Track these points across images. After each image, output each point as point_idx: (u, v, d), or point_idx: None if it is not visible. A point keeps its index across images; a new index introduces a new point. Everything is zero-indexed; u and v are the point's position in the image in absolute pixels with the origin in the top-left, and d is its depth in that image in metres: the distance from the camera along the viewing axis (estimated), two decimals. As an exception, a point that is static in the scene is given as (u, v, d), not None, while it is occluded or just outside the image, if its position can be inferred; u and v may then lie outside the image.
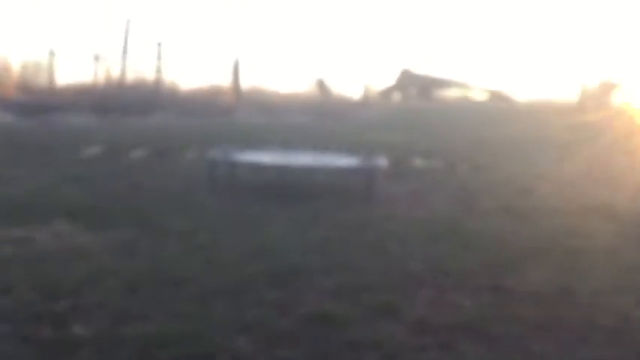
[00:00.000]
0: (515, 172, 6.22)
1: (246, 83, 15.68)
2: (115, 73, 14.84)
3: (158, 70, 14.69)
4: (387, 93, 17.01)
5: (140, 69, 14.90)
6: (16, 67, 17.36)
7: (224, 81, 16.04)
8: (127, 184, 4.93)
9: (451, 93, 18.77)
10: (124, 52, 14.38)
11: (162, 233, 3.51)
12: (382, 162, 4.87)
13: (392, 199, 4.66)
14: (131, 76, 14.54)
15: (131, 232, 3.51)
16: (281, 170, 4.64)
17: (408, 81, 17.05)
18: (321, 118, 11.82)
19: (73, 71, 16.90)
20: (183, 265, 2.97)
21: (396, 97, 17.22)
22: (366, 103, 15.22)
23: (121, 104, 11.83)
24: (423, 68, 18.26)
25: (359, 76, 15.64)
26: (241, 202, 4.36)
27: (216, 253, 3.18)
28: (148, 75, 14.97)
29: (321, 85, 15.91)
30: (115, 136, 7.90)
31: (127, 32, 14.32)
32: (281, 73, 16.67)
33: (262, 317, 2.41)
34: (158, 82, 14.67)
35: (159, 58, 14.66)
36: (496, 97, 17.95)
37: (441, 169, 6.30)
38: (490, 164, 6.66)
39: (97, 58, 15.75)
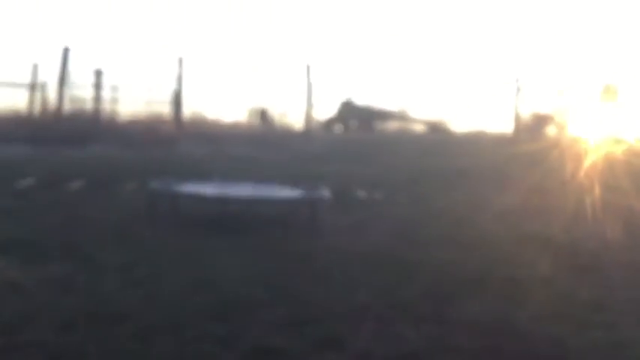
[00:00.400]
0: (454, 202, 6.34)
1: (187, 112, 15.53)
2: (52, 102, 14.50)
3: (97, 99, 14.41)
4: (328, 124, 17.13)
5: (78, 97, 14.56)
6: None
7: (165, 110, 15.87)
8: (63, 216, 4.78)
9: (391, 124, 19.07)
10: (62, 80, 14.05)
11: (99, 267, 3.41)
12: (325, 193, 4.89)
13: (335, 231, 4.67)
14: (69, 105, 14.18)
15: (68, 266, 3.40)
16: (223, 202, 4.59)
17: (349, 112, 17.20)
18: (263, 149, 11.81)
19: (7, 100, 16.33)
20: (121, 301, 2.89)
21: (338, 128, 17.34)
22: (308, 134, 15.29)
23: (57, 134, 11.53)
24: (364, 99, 18.44)
25: (300, 106, 15.67)
26: (182, 234, 4.29)
27: (156, 287, 3.11)
28: (87, 104, 14.67)
29: (263, 115, 15.92)
30: (51, 168, 7.68)
31: (64, 60, 14.00)
32: (222, 101, 16.51)
33: (204, 353, 2.36)
34: (97, 112, 14.38)
35: (98, 86, 14.40)
36: (434, 128, 18.34)
37: (383, 200, 6.37)
38: (430, 195, 6.77)
39: (32, 86, 15.37)
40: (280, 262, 3.70)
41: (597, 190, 6.60)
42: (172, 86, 15.32)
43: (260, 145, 12.53)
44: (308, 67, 15.38)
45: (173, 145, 11.88)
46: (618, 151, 11.29)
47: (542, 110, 20.73)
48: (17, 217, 4.68)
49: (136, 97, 15.54)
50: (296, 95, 15.60)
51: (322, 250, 4.04)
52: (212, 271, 3.44)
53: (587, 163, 8.73)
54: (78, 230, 4.34)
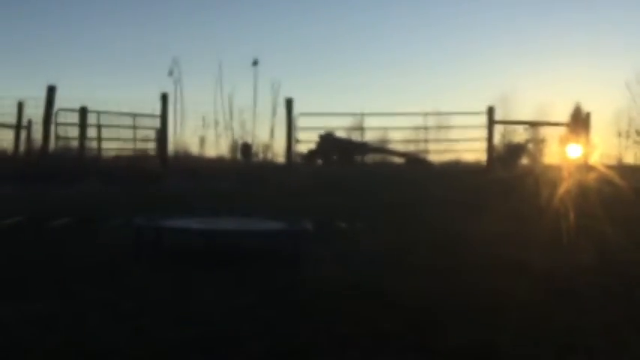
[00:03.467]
0: (433, 231, 6.34)
1: (170, 148, 15.48)
2: (37, 141, 14.37)
3: (82, 137, 14.32)
4: (309, 157, 17.12)
5: (63, 135, 14.45)
6: None
7: (149, 146, 15.82)
8: (47, 253, 4.70)
9: (370, 156, 19.12)
10: (47, 118, 13.95)
11: (84, 303, 3.33)
12: (307, 226, 4.86)
13: (318, 262, 4.63)
14: (53, 143, 14.05)
15: (51, 303, 3.32)
16: (208, 235, 4.53)
17: (329, 145, 17.20)
18: (246, 183, 11.78)
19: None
20: (106, 337, 2.82)
21: (318, 161, 17.32)
22: (289, 167, 15.30)
23: (42, 173, 11.41)
24: (344, 132, 18.50)
25: (282, 139, 15.70)
26: (168, 269, 4.22)
27: (141, 321, 3.04)
28: (72, 142, 14.57)
29: (244, 148, 15.89)
30: (35, 206, 7.58)
31: (49, 98, 13.93)
32: (205, 136, 16.45)
33: (190, 387, 2.30)
34: (82, 149, 14.28)
35: (83, 124, 14.34)
36: (412, 160, 18.42)
37: (364, 231, 6.34)
38: (409, 225, 6.77)
39: (17, 126, 15.26)
40: (265, 294, 3.65)
41: (571, 216, 6.65)
42: (157, 123, 15.32)
43: (243, 179, 12.51)
44: (289, 101, 15.46)
45: (158, 180, 11.81)
46: (590, 177, 11.40)
47: (515, 140, 21.04)
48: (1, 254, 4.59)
49: (120, 134, 15.50)
50: (278, 128, 15.63)
51: (305, 282, 4.00)
52: (197, 304, 3.38)
53: (561, 190, 8.80)
54: (62, 267, 4.26)
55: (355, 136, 18.79)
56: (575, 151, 17.59)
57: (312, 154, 17.24)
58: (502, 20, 39.77)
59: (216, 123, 15.42)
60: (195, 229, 4.63)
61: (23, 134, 15.59)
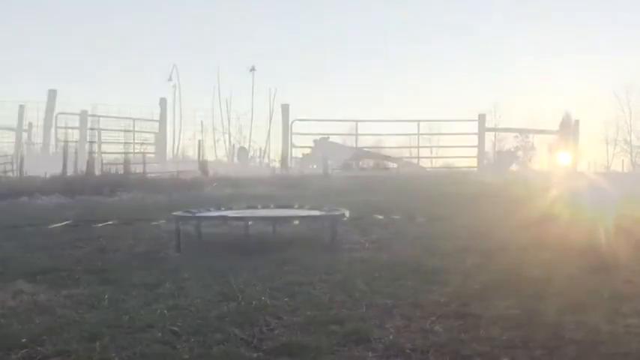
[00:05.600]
0: (469, 220, 6.15)
1: (169, 151, 15.56)
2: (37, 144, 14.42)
3: (126, 150, 14.49)
4: (305, 162, 16.84)
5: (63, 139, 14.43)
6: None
7: (148, 150, 15.76)
8: (92, 248, 4.69)
9: (366, 162, 18.76)
10: (48, 123, 13.98)
11: (125, 287, 3.29)
12: (345, 212, 4.74)
13: (355, 247, 4.52)
14: (53, 146, 14.00)
15: (94, 288, 3.28)
16: (245, 221, 4.41)
17: (323, 150, 16.84)
18: (285, 188, 11.72)
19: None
20: (146, 313, 2.76)
21: (313, 166, 16.97)
22: (325, 174, 15.21)
23: (89, 187, 11.55)
24: (338, 138, 18.25)
25: (278, 144, 15.62)
26: (207, 256, 4.16)
27: (181, 300, 2.98)
28: (117, 158, 14.74)
29: (241, 152, 15.84)
30: (83, 211, 7.64)
31: (50, 101, 14.02)
32: (203, 141, 16.35)
33: (229, 352, 2.22)
34: (127, 163, 14.43)
35: (83, 128, 14.34)
36: (405, 165, 18.08)
37: (401, 220, 6.20)
38: (445, 216, 6.59)
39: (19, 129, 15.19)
40: (303, 275, 3.55)
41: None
42: (155, 127, 15.30)
43: (282, 185, 12.44)
44: (284, 107, 15.34)
45: (199, 188, 11.83)
46: (581, 184, 10.92)
47: (508, 145, 20.86)
48: (47, 251, 4.58)
49: (119, 137, 15.43)
50: (274, 134, 15.51)
51: (344, 263, 3.89)
52: (236, 284, 3.30)
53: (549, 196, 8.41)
54: (105, 259, 4.24)
55: (350, 142, 18.60)
56: (564, 159, 17.36)
57: (306, 158, 16.90)
58: (493, 29, 39.07)
59: (214, 128, 15.41)
60: (234, 216, 4.55)
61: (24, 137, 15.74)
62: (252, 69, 15.54)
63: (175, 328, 2.50)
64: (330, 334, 2.42)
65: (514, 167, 19.09)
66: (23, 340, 2.38)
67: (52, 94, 14.11)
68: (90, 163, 14.11)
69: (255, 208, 5.28)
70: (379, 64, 39.77)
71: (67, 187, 11.56)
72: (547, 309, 2.76)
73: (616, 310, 2.77)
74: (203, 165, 13.42)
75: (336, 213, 4.60)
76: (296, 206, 5.28)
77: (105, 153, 15.20)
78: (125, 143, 15.39)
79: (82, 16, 36.45)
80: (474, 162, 16.76)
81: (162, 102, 15.23)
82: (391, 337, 2.40)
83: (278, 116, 15.27)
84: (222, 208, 5.09)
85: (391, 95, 37.26)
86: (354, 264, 3.87)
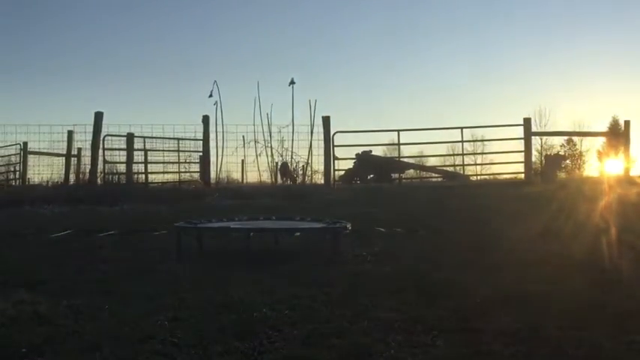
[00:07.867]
0: (472, 234, 6.13)
1: (213, 170, 15.51)
2: (86, 168, 14.58)
3: (129, 162, 14.51)
4: (347, 176, 16.89)
5: (111, 160, 14.64)
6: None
7: (193, 169, 15.91)
8: (92, 258, 4.68)
9: (409, 174, 18.78)
10: (95, 145, 14.17)
11: (126, 298, 3.28)
12: (346, 224, 4.73)
13: (358, 260, 4.50)
14: (101, 167, 14.21)
15: (95, 298, 3.27)
16: (246, 233, 4.41)
17: (366, 164, 16.93)
18: (287, 199, 11.71)
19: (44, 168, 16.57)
20: (146, 324, 2.74)
21: (354, 180, 17.02)
22: (328, 185, 15.19)
23: (92, 195, 11.56)
24: (379, 150, 18.22)
25: (320, 157, 15.54)
26: (208, 267, 4.15)
27: (182, 311, 2.97)
28: (119, 167, 14.77)
29: (283, 168, 15.74)
30: (85, 221, 7.63)
31: (97, 124, 14.14)
32: (245, 157, 16.27)
33: (229, 365, 2.21)
34: (129, 174, 14.47)
35: (130, 149, 14.53)
36: (450, 177, 18.03)
37: (403, 233, 6.18)
38: (449, 229, 6.57)
39: (68, 154, 15.57)
40: (304, 288, 3.54)
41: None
42: (199, 146, 15.42)
43: (284, 196, 12.44)
44: (325, 119, 15.38)
45: (201, 199, 11.83)
46: (631, 191, 10.81)
47: (555, 152, 20.41)
48: (48, 261, 4.58)
49: (165, 158, 15.64)
50: (315, 148, 15.47)
51: (346, 276, 3.87)
52: (237, 296, 3.28)
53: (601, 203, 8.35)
54: (106, 269, 4.23)
55: (392, 154, 18.54)
56: (614, 164, 16.75)
57: (349, 172, 16.96)
58: (538, 35, 39.08)
59: (256, 142, 15.27)
60: (235, 227, 4.55)
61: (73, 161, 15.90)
62: (292, 82, 15.45)
63: (175, 340, 2.49)
64: (330, 348, 2.41)
65: (562, 174, 18.72)
66: (23, 350, 2.38)
67: (99, 117, 14.14)
68: (92, 173, 14.18)
69: (258, 219, 5.26)
70: (420, 73, 39.52)
71: (70, 196, 11.59)
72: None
73: None
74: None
75: (338, 225, 4.58)
76: (297, 218, 5.27)
77: (152, 173, 15.24)
78: (172, 163, 15.49)
79: (123, 39, 36.93)
80: (520, 167, 16.39)
81: (205, 119, 15.22)
82: (392, 351, 2.38)
83: (318, 130, 15.14)
84: (224, 219, 5.08)
85: (434, 105, 37.07)
86: (356, 277, 3.84)
